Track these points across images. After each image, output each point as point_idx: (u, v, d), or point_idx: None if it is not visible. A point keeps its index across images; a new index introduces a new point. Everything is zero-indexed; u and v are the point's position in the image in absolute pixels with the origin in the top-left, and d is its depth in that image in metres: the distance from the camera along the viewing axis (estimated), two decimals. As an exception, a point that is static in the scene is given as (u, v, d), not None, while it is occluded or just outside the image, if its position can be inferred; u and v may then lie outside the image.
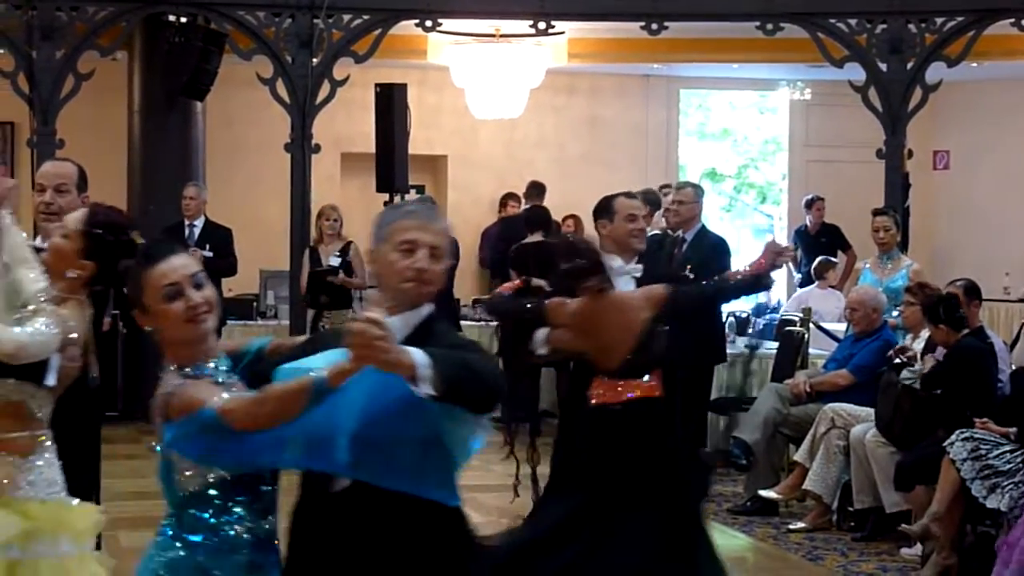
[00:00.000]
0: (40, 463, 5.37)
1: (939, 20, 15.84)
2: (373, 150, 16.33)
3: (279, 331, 15.82)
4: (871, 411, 11.17)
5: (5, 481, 5.26)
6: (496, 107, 18.57)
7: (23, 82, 15.43)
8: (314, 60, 15.91)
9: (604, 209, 8.31)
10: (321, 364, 4.13)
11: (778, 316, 16.39)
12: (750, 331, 15.94)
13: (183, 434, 4.09)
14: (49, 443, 5.48)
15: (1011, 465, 9.82)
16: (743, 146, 22.57)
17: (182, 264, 4.48)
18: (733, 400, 14.57)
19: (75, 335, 5.38)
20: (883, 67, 15.87)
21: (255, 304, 17.43)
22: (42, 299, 5.35)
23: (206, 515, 4.40)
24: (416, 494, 4.22)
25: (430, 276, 4.50)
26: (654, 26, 16.40)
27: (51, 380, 5.26)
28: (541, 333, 7.24)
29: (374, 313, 4.11)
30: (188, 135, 17.10)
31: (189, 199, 15.68)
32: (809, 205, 18.55)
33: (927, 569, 9.84)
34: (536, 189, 18.29)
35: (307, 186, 16.04)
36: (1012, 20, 15.80)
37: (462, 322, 16.74)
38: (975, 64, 16.77)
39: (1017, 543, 8.94)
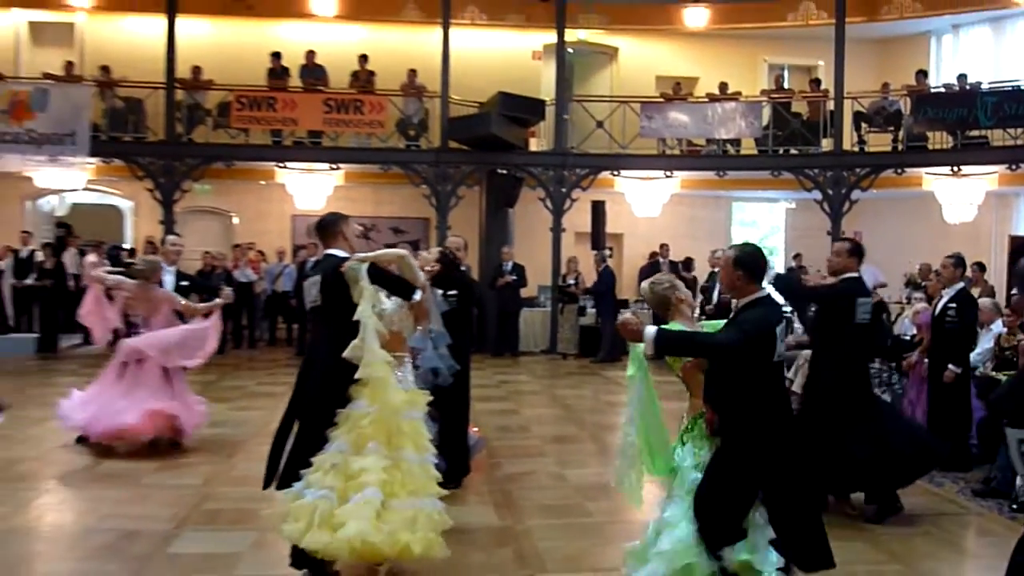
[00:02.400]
0: (408, 369, 5.55)
1: (857, 169, 17.19)
2: (590, 230, 17.61)
3: (544, 315, 17.70)
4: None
5: (399, 374, 5.28)
6: (647, 211, 18.93)
7: (433, 200, 17.44)
8: (563, 189, 17.65)
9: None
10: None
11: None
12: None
13: None
14: (408, 359, 5.67)
15: None
16: (762, 229, 22.15)
17: None
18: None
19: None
20: (831, 192, 17.25)
21: (535, 299, 18.13)
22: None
23: None
24: None
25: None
26: (721, 174, 18.09)
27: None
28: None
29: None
30: (506, 224, 17.81)
31: (505, 251, 16.93)
32: (794, 258, 18.23)
33: None
34: (664, 248, 18.13)
35: (559, 248, 17.64)
36: (892, 170, 17.16)
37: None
38: (875, 190, 17.34)
39: None
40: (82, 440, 8.56)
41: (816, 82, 18.93)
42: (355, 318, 4.98)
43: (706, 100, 18.45)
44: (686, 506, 4.47)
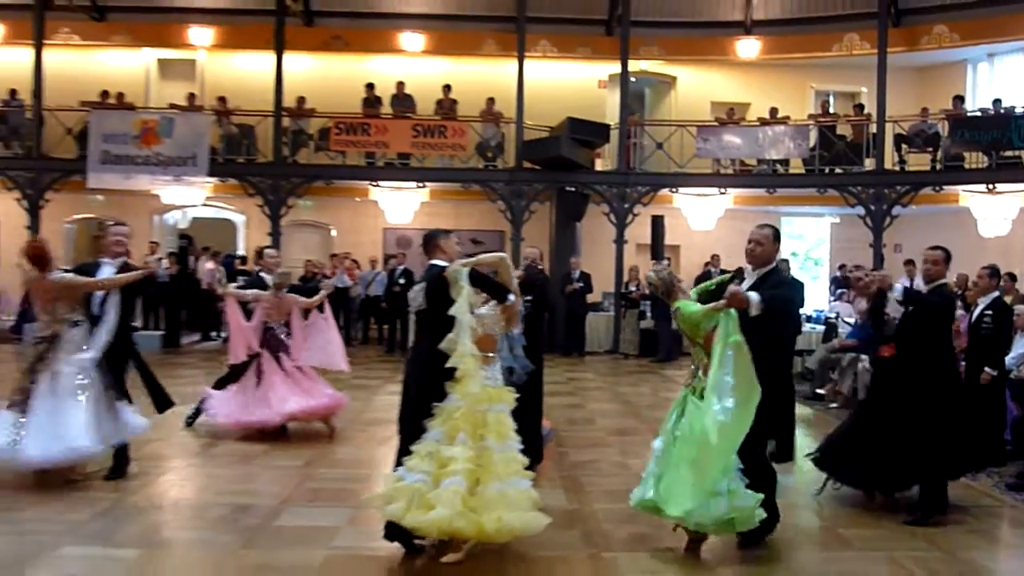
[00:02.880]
0: (497, 368, 5.61)
1: (898, 187, 16.91)
2: (649, 242, 17.22)
3: (608, 319, 17.45)
4: None
5: (486, 375, 5.29)
6: (702, 225, 18.72)
7: (509, 215, 17.42)
8: (625, 205, 17.50)
9: None
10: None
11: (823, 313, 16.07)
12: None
13: None
14: (498, 359, 5.72)
15: None
16: (809, 241, 21.74)
17: None
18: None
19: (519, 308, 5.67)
20: (873, 207, 16.94)
21: (600, 304, 17.97)
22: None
23: None
24: None
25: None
26: (771, 191, 17.90)
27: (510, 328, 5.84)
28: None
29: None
30: (574, 237, 17.74)
31: (573, 261, 16.72)
32: (840, 268, 17.64)
33: None
34: (714, 259, 17.28)
35: (622, 258, 17.44)
36: (930, 187, 16.86)
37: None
38: (914, 206, 17.04)
39: None
40: (191, 423, 8.75)
41: (860, 107, 18.57)
42: (449, 312, 5.04)
43: (757, 124, 18.25)
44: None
